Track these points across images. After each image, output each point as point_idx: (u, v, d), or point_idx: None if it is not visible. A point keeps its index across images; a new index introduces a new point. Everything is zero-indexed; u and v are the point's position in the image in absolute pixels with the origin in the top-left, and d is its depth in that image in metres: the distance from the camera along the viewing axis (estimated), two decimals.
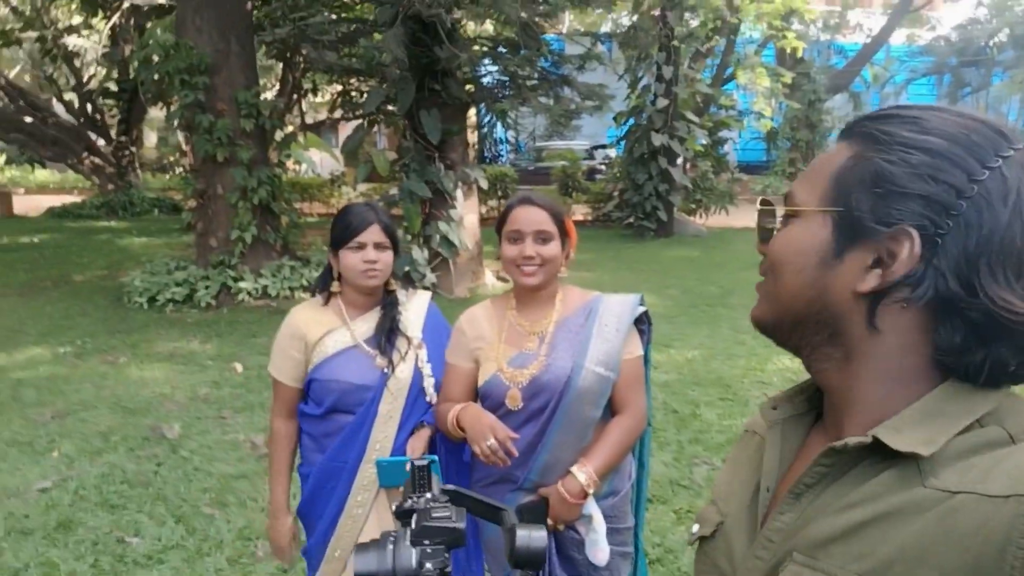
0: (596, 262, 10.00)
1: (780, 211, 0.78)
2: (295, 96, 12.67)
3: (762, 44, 12.60)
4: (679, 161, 12.22)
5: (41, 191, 19.54)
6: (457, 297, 7.82)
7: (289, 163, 10.10)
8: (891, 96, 23.88)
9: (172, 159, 19.27)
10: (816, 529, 0.68)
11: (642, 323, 1.93)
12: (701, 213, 13.79)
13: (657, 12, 11.06)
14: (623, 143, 12.96)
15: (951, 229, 0.65)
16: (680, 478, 3.83)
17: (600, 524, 1.81)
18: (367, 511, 1.99)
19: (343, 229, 1.96)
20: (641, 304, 1.91)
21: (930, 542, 0.59)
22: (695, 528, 0.88)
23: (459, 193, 7.81)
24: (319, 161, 17.96)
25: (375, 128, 10.84)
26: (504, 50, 8.05)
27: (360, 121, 8.98)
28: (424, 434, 2.01)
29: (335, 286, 2.03)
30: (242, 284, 7.45)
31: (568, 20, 13.13)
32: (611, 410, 1.87)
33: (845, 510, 0.66)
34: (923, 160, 0.66)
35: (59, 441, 4.28)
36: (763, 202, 0.80)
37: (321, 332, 1.99)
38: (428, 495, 0.87)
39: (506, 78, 8.20)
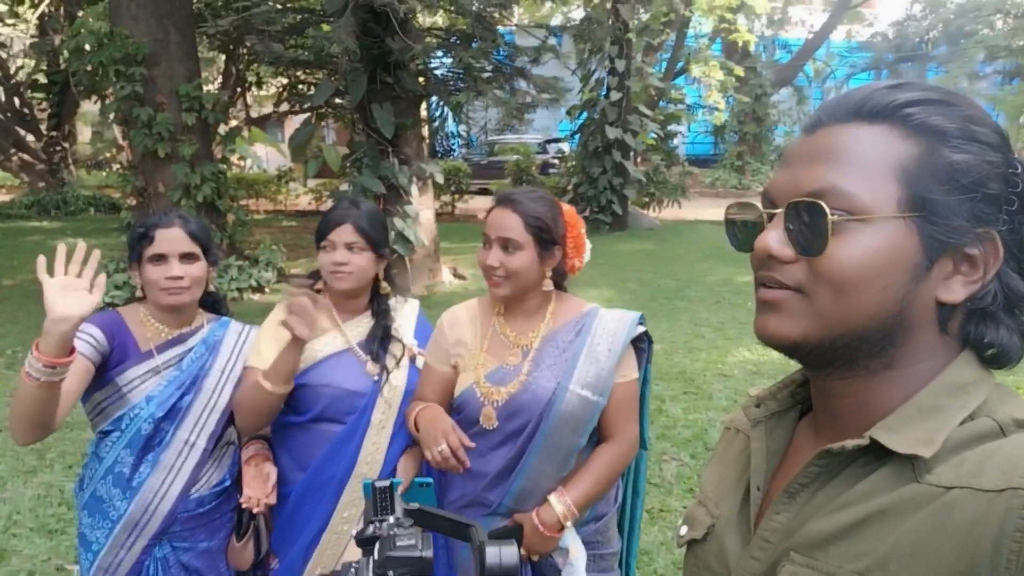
0: None
1: (848, 219, 0.64)
2: (239, 89, 12.22)
3: (711, 38, 12.76)
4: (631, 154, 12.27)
5: None
6: (414, 295, 7.64)
7: (234, 159, 9.71)
8: (832, 91, 24.57)
9: (109, 155, 18.45)
10: (813, 528, 0.66)
11: (641, 342, 1.79)
12: (654, 206, 13.88)
13: (609, 5, 11.07)
14: (576, 137, 12.94)
15: (1011, 225, 0.64)
16: (650, 476, 3.78)
17: (579, 558, 1.69)
18: (353, 526, 1.86)
19: (320, 226, 1.87)
20: (641, 323, 1.77)
21: (926, 538, 0.59)
22: (683, 531, 0.85)
23: (414, 188, 7.63)
24: (265, 156, 17.46)
25: (324, 122, 10.58)
26: (458, 41, 7.88)
27: (308, 115, 8.71)
28: (418, 452, 1.88)
29: (320, 285, 1.92)
30: None
31: (518, 13, 13.01)
32: (599, 435, 1.74)
33: (841, 509, 0.65)
34: (991, 155, 0.63)
35: None
36: (802, 204, 0.65)
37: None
38: (391, 519, 0.82)
39: (460, 70, 8.02)
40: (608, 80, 11.55)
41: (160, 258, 1.74)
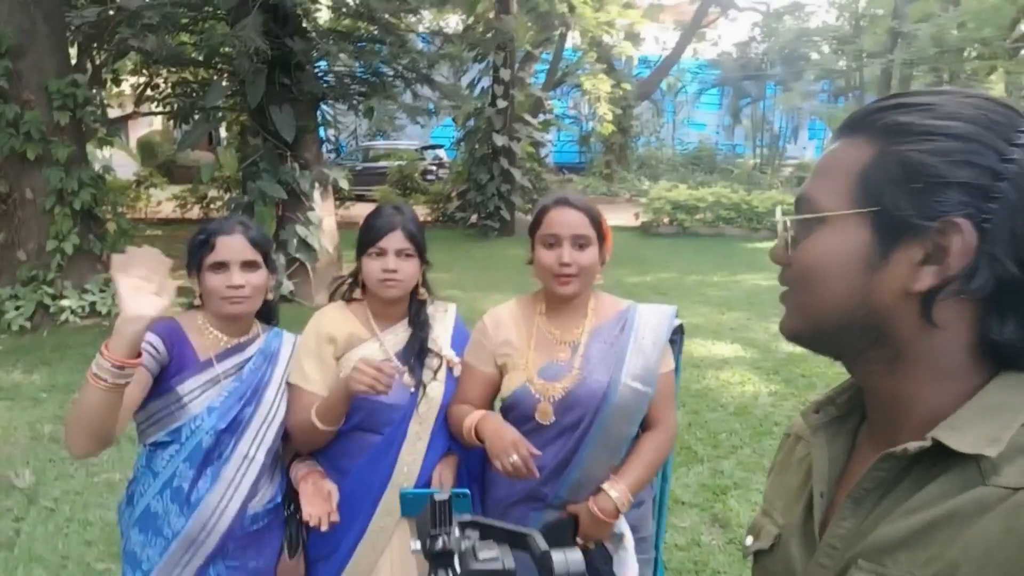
0: (450, 263, 9.96)
1: (796, 217, 0.74)
2: (94, 88, 11.13)
3: (587, 51, 13.44)
4: None
5: None
6: (318, 305, 7.39)
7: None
8: (684, 104, 26.46)
9: None
10: (880, 535, 0.66)
11: (675, 334, 1.90)
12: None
13: (492, 15, 11.30)
14: (461, 144, 13.04)
15: (996, 213, 0.64)
16: None
17: (630, 542, 1.78)
18: (389, 536, 1.84)
19: (366, 232, 1.84)
20: (675, 316, 1.88)
21: (995, 542, 0.58)
22: (749, 540, 0.86)
23: (316, 194, 7.39)
24: (111, 160, 15.94)
25: (180, 126, 9.83)
26: (363, 44, 7.72)
27: (167, 117, 8.13)
28: (453, 461, 1.91)
29: (357, 292, 1.90)
30: (64, 302, 6.42)
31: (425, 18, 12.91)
32: (642, 425, 1.83)
33: (908, 514, 0.65)
34: (953, 146, 0.65)
35: None
36: (788, 212, 0.75)
37: (350, 339, 1.83)
38: (456, 532, 0.82)
39: (366, 74, 7.86)
40: (494, 88, 11.77)
41: (221, 266, 1.69)
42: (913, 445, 0.65)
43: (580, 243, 1.73)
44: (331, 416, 1.73)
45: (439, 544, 0.79)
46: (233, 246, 1.69)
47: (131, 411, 1.57)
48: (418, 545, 0.82)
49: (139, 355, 1.41)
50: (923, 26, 14.27)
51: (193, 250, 1.71)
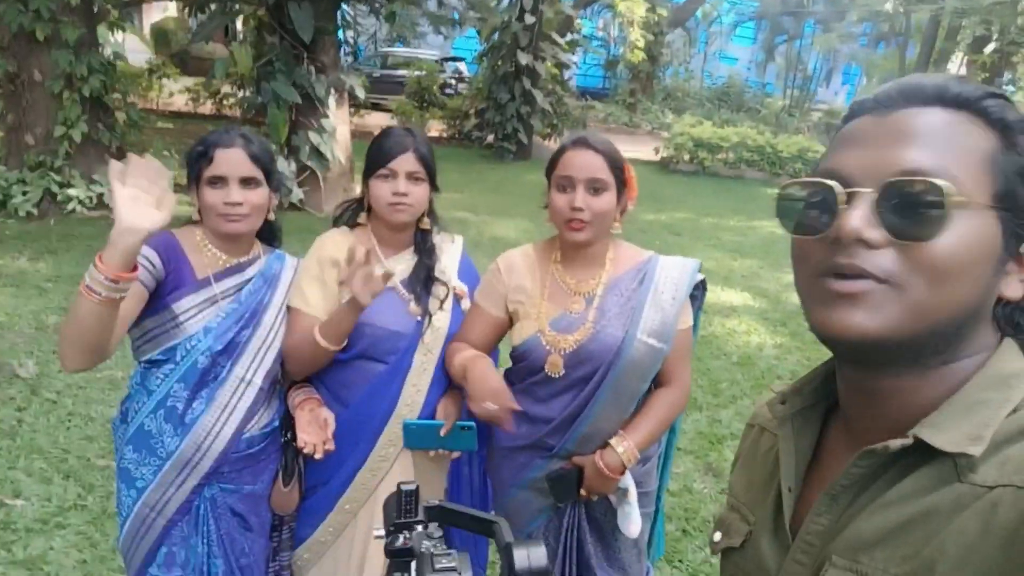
0: (462, 184, 9.78)
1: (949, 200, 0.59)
2: None
3: None
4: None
5: None
6: (327, 215, 7.29)
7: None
8: (718, 36, 25.42)
9: None
10: (855, 531, 0.65)
11: (696, 289, 1.82)
12: (555, 138, 13.90)
13: None
14: (484, 59, 12.54)
15: None
16: None
17: (634, 496, 1.76)
18: (390, 464, 1.83)
19: (375, 153, 1.76)
20: (699, 271, 1.80)
21: (972, 540, 0.57)
22: (717, 536, 0.83)
23: (331, 100, 7.15)
24: (123, 45, 15.41)
25: (193, 16, 9.44)
26: None
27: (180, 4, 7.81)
28: (458, 395, 1.87)
29: (362, 218, 1.83)
30: (71, 191, 6.33)
31: None
32: (655, 381, 1.78)
33: (883, 509, 0.63)
34: None
35: None
36: (907, 183, 0.60)
37: None
38: (419, 529, 0.80)
39: None
40: (523, 2, 11.22)
41: (219, 180, 1.60)
42: (895, 443, 0.62)
43: (596, 187, 1.65)
44: (336, 333, 1.68)
45: (399, 541, 0.76)
46: (232, 160, 1.61)
47: (126, 325, 1.52)
48: (382, 531, 0.79)
49: (135, 269, 1.36)
50: None
51: (191, 162, 1.63)
